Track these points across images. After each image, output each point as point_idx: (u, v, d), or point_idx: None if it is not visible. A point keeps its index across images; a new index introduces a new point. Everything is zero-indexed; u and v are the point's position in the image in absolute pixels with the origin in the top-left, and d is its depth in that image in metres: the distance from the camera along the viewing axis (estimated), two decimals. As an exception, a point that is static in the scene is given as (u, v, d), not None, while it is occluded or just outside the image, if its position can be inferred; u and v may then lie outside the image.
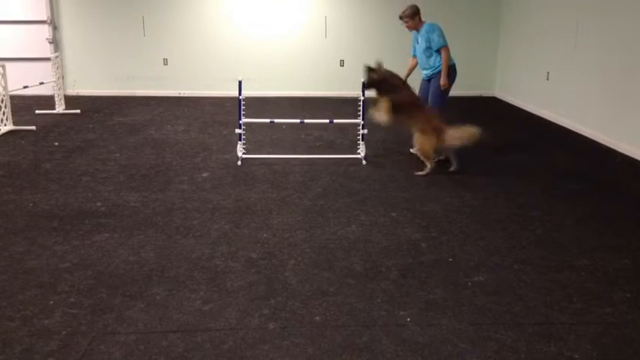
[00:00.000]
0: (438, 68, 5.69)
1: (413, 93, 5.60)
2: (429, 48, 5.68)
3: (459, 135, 5.15)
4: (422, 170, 5.32)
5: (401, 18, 5.78)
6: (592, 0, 6.94)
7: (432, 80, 5.79)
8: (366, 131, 5.79)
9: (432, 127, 5.22)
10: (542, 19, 8.37)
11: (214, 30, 9.84)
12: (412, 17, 5.71)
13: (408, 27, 5.81)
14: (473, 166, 5.60)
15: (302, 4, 9.82)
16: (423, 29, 5.71)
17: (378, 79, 5.47)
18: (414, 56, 6.01)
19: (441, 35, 5.62)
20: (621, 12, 6.29)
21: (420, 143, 5.36)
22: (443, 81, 5.60)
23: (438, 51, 5.63)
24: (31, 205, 4.40)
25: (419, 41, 5.81)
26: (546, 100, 8.14)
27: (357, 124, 5.83)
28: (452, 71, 5.71)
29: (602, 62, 6.67)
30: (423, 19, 5.80)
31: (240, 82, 5.68)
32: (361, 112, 5.71)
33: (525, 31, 8.97)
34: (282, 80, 10.03)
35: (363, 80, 5.69)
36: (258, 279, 3.23)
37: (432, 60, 5.72)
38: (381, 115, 5.40)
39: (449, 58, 5.61)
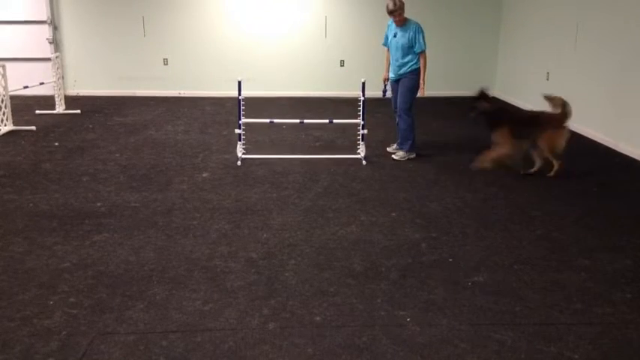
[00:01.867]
0: (410, 67, 5.65)
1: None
2: (410, 47, 5.61)
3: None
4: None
5: (392, 12, 5.53)
6: (592, 0, 6.94)
7: (402, 81, 5.73)
8: (366, 131, 5.79)
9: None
10: (542, 19, 8.36)
11: (214, 30, 9.84)
12: (403, 10, 5.57)
13: (400, 20, 5.60)
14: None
15: (302, 3, 9.81)
16: (410, 26, 5.61)
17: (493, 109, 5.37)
18: (386, 46, 5.91)
19: (425, 38, 5.60)
20: (621, 12, 6.29)
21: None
22: (423, 89, 5.66)
23: (415, 53, 5.61)
24: (31, 205, 4.40)
25: (396, 35, 5.68)
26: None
27: (357, 125, 5.83)
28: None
29: (602, 62, 6.67)
30: (409, 16, 5.71)
31: (239, 82, 5.68)
32: (361, 112, 5.71)
33: (525, 31, 8.96)
34: (282, 80, 10.03)
35: (363, 80, 5.69)
36: (258, 279, 3.24)
37: (406, 57, 5.65)
38: (501, 148, 5.18)
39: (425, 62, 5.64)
